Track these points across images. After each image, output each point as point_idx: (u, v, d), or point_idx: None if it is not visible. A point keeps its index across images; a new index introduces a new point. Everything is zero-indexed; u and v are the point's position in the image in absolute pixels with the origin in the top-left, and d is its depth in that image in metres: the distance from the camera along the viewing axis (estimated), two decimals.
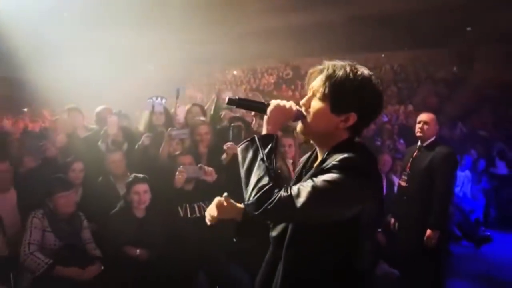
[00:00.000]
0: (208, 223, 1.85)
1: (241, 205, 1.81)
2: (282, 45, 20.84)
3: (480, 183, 7.02)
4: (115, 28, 13.21)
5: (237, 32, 21.70)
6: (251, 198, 1.41)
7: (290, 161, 4.00)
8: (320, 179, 1.39)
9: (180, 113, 4.41)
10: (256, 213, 1.40)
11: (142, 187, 3.38)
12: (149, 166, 4.07)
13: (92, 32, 12.87)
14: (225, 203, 1.81)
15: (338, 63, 1.55)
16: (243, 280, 3.57)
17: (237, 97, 1.65)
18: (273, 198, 1.37)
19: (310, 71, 1.60)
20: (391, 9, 18.73)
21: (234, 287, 3.52)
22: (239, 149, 1.55)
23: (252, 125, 4.49)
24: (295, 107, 1.58)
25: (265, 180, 1.41)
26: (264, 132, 1.56)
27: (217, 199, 1.84)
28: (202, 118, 4.31)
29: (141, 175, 3.43)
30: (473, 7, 17.00)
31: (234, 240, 1.84)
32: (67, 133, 4.69)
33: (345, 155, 1.42)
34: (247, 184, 1.45)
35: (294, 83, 17.28)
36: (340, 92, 1.50)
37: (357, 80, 1.49)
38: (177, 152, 3.86)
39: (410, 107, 12.34)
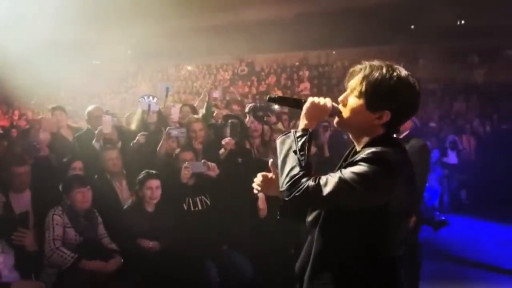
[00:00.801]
0: (255, 191, 1.97)
1: None
2: (235, 41, 21.07)
3: (434, 172, 7.69)
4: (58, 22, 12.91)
5: (189, 27, 21.65)
6: (283, 186, 1.55)
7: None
8: (348, 170, 1.50)
9: (174, 112, 4.58)
10: (287, 199, 1.54)
11: (155, 183, 3.55)
12: (146, 163, 4.23)
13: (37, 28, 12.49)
14: (271, 176, 1.87)
15: (376, 63, 1.64)
16: (245, 266, 3.85)
17: (276, 96, 1.81)
18: (301, 186, 1.49)
19: (351, 70, 1.70)
20: (340, 7, 19.53)
21: (237, 273, 3.79)
22: (277, 142, 1.69)
23: (246, 122, 4.73)
24: (330, 103, 1.68)
25: (296, 170, 1.53)
26: (300, 126, 1.67)
27: (263, 174, 1.90)
28: (195, 116, 4.51)
29: (153, 171, 3.60)
30: (416, 6, 18.13)
31: (278, 217, 1.91)
32: (51, 132, 4.72)
33: (374, 149, 1.53)
34: (282, 173, 1.58)
35: (250, 79, 17.53)
36: (375, 91, 1.59)
37: (393, 80, 1.58)
38: (177, 150, 4.04)
39: None
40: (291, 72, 17.46)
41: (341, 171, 1.52)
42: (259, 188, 1.92)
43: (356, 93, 1.63)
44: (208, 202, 3.93)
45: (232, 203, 3.95)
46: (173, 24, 21.32)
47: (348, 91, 1.68)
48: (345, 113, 1.67)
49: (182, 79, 18.81)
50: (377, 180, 1.48)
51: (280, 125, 5.25)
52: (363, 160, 1.51)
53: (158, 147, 4.21)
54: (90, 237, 3.27)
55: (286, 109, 5.11)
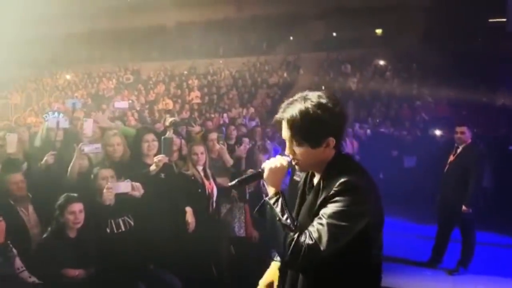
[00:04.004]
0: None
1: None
2: (117, 49, 20.24)
3: None
4: None
5: (65, 33, 20.23)
6: (286, 256, 1.63)
7: (200, 168, 4.33)
8: (329, 210, 1.61)
9: (87, 127, 4.29)
10: (295, 268, 1.69)
11: (78, 206, 3.31)
12: (56, 185, 3.92)
13: None
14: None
15: (291, 104, 1.72)
16: (173, 283, 3.81)
17: (237, 181, 1.87)
18: (302, 251, 1.57)
19: (272, 123, 1.82)
20: (222, 17, 20.00)
21: None
22: (256, 214, 1.80)
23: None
24: (285, 161, 1.78)
25: (290, 236, 1.62)
26: (270, 193, 1.77)
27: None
28: (113, 130, 4.29)
29: (74, 194, 3.35)
30: (293, 18, 19.40)
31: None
32: None
33: (341, 180, 1.63)
34: (277, 245, 1.67)
35: (136, 87, 16.97)
36: (309, 132, 1.69)
37: (315, 112, 1.66)
38: (96, 169, 3.81)
39: (252, 110, 13.51)
40: (180, 80, 17.33)
41: (323, 216, 1.62)
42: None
43: (295, 142, 1.73)
44: (132, 223, 3.78)
45: (157, 221, 3.86)
46: (46, 30, 19.74)
47: (287, 143, 1.77)
48: (299, 161, 1.76)
49: (61, 89, 17.43)
50: (356, 209, 1.62)
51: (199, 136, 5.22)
52: (337, 194, 1.63)
53: (70, 166, 3.91)
54: (7, 274, 2.93)
55: (209, 123, 5.15)
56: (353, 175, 1.66)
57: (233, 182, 1.87)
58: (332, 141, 1.71)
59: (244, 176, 1.94)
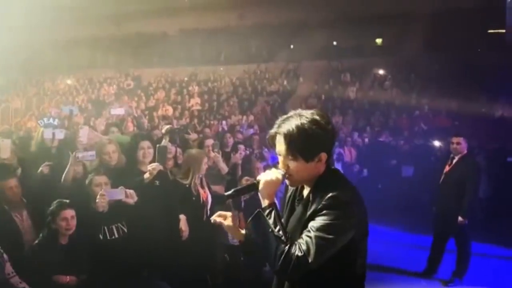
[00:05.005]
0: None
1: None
2: (119, 54, 20.34)
3: None
4: None
5: (66, 38, 20.34)
6: (276, 267, 1.70)
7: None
8: (317, 225, 1.70)
9: (83, 135, 4.31)
10: (283, 277, 1.79)
11: (70, 213, 3.31)
12: (51, 191, 3.94)
13: None
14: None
15: (286, 120, 1.82)
16: None
17: (233, 191, 1.94)
18: (292, 262, 1.66)
19: (267, 137, 1.90)
20: (223, 25, 20.11)
21: None
22: (250, 225, 1.84)
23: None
24: (280, 175, 1.84)
25: (281, 247, 1.69)
26: (264, 205, 1.83)
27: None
28: (108, 137, 4.31)
29: (66, 201, 3.36)
30: (293, 27, 19.50)
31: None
32: None
33: (330, 194, 1.73)
34: (268, 255, 1.73)
35: (137, 93, 16.97)
36: (303, 146, 1.78)
37: (310, 128, 1.77)
38: (90, 175, 3.82)
39: (251, 117, 13.53)
40: (181, 87, 17.37)
41: (311, 229, 1.70)
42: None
43: (290, 156, 1.81)
44: (125, 229, 3.79)
45: (151, 228, 3.86)
46: (48, 35, 19.86)
47: (282, 157, 1.85)
48: (293, 175, 1.84)
49: (61, 94, 17.45)
50: (343, 222, 1.71)
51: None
52: (325, 208, 1.72)
53: (65, 172, 3.93)
54: None
55: (208, 129, 5.14)
56: (341, 190, 1.76)
57: (230, 192, 1.94)
58: (324, 156, 1.81)
59: (240, 187, 2.04)
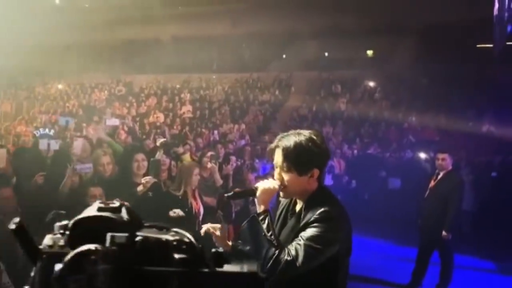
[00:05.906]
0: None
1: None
2: (111, 60, 20.33)
3: None
4: None
5: (58, 43, 20.30)
6: (265, 268, 1.81)
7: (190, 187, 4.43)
8: (308, 235, 1.85)
9: (77, 146, 4.38)
10: (272, 278, 1.86)
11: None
12: (46, 200, 3.99)
13: None
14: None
15: (286, 136, 2.01)
16: None
17: (233, 193, 2.12)
18: (281, 265, 1.80)
19: (268, 149, 2.10)
20: (217, 33, 20.24)
21: None
22: (244, 228, 1.98)
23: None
24: (276, 184, 2.01)
25: (271, 251, 1.83)
26: (259, 210, 1.98)
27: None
28: (103, 149, 4.39)
29: (62, 212, 3.41)
30: (286, 37, 19.71)
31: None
32: None
33: (322, 209, 1.89)
34: (258, 257, 1.86)
35: (128, 99, 16.96)
36: (298, 161, 1.96)
37: (307, 145, 1.95)
38: (87, 186, 3.90)
39: (243, 126, 13.62)
40: (172, 94, 17.41)
41: (302, 237, 1.86)
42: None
43: (285, 169, 1.99)
44: None
45: None
46: (41, 40, 19.80)
47: (278, 169, 2.03)
48: (287, 185, 2.01)
49: (52, 99, 17.41)
50: (331, 235, 1.88)
51: (187, 156, 5.35)
52: (316, 221, 1.88)
53: (62, 184, 4.00)
54: None
55: (200, 139, 5.22)
56: (331, 206, 1.93)
57: (230, 193, 2.11)
58: (316, 172, 1.98)
59: (239, 190, 2.24)
